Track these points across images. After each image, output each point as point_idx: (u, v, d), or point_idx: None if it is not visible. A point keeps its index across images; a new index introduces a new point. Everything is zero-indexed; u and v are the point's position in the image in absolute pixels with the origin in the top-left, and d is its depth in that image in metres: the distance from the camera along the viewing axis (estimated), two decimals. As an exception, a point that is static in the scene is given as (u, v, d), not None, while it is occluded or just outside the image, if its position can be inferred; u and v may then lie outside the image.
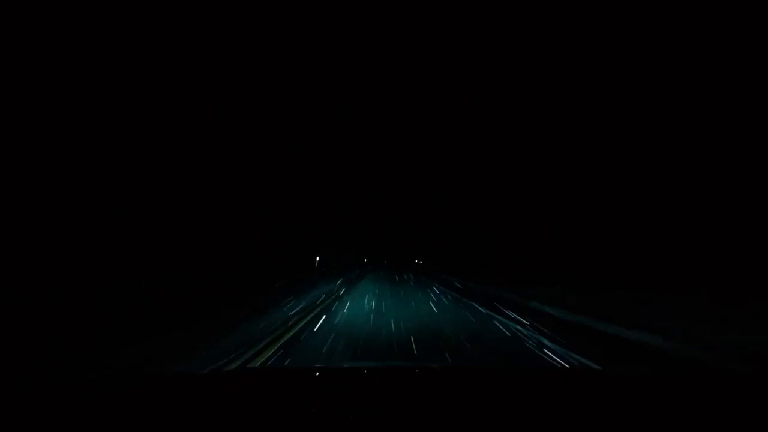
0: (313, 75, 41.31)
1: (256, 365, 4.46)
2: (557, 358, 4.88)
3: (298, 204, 31.01)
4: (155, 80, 16.21)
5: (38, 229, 11.60)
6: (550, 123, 21.50)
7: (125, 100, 14.74)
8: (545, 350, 5.33)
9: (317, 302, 10.52)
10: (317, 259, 33.26)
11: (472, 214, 39.31)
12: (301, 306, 9.59)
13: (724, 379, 1.39)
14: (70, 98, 12.80)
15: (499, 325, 7.41)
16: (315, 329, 6.70)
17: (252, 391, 1.23)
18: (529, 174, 24.25)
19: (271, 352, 5.04)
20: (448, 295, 13.62)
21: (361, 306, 10.09)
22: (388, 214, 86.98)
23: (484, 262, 29.92)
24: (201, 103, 18.90)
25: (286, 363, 4.58)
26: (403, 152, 76.42)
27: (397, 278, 23.54)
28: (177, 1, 16.98)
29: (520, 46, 24.82)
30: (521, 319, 8.07)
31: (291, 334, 6.22)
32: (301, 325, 7.07)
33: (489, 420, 0.91)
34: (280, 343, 5.57)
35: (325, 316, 8.23)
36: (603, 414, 0.99)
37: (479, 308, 9.85)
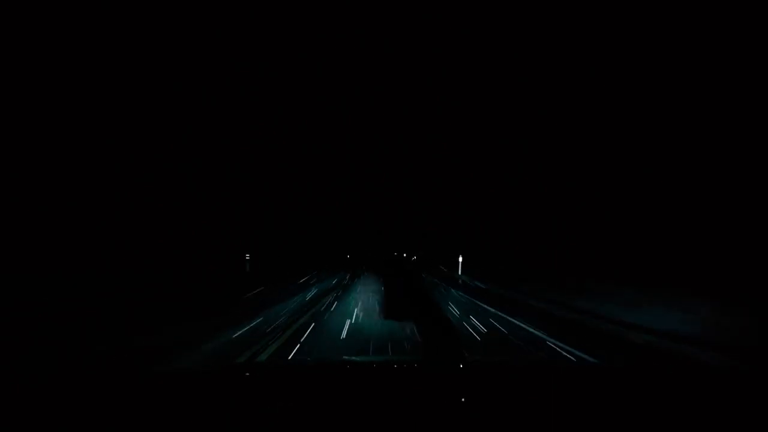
0: (303, 67, 41.22)
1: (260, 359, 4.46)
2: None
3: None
4: (156, 80, 16.20)
5: (39, 227, 11.63)
6: (544, 122, 21.53)
7: (129, 101, 14.74)
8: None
9: None
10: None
11: (459, 209, 39.35)
12: None
13: (720, 377, 1.40)
14: (71, 99, 12.80)
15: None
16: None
17: (252, 386, 1.24)
18: (525, 173, 24.28)
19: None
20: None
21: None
22: (374, 210, 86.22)
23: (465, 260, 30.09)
24: (197, 100, 18.89)
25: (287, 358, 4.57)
26: (394, 147, 76.15)
27: None
28: (177, 2, 16.95)
29: (518, 42, 24.79)
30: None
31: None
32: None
33: (489, 415, 0.92)
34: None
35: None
36: (600, 410, 1.00)
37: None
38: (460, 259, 23.78)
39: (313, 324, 6.80)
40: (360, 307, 8.88)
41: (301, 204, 39.11)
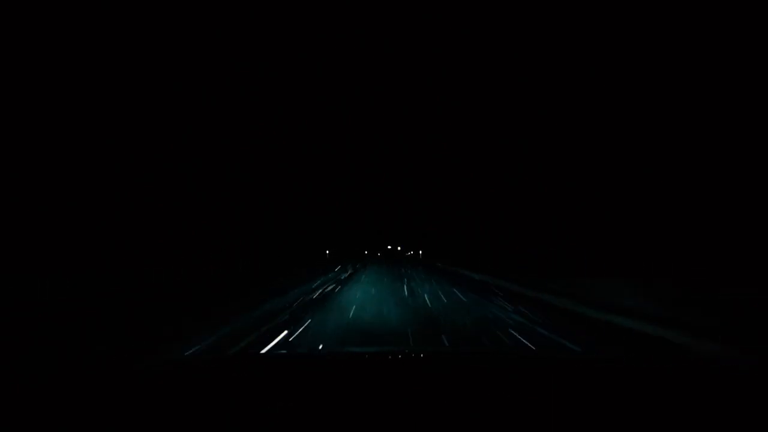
0: (303, 67, 41.27)
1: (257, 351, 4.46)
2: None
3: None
4: (156, 80, 16.22)
5: (39, 227, 11.65)
6: (544, 122, 21.56)
7: (129, 101, 14.76)
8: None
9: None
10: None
11: (460, 209, 39.44)
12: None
13: (718, 372, 1.40)
14: (71, 99, 12.81)
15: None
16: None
17: (252, 377, 1.24)
18: (525, 173, 24.32)
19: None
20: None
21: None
22: (374, 210, 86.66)
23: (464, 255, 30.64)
24: (197, 100, 18.93)
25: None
26: (394, 147, 76.36)
27: None
28: (177, 2, 16.98)
29: (518, 43, 24.82)
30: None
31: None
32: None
33: (492, 407, 0.92)
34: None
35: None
36: (600, 403, 1.00)
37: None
38: None
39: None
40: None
41: (301, 204, 39.14)
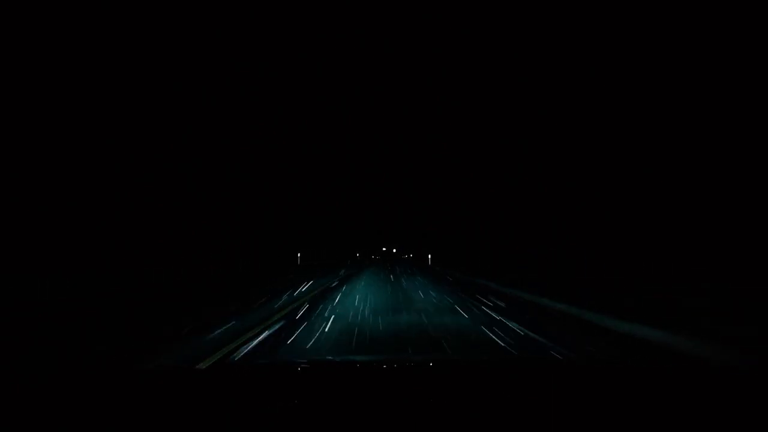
0: (303, 67, 41.27)
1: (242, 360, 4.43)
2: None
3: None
4: (156, 80, 16.21)
5: (39, 227, 11.64)
6: (544, 122, 21.53)
7: (129, 101, 14.75)
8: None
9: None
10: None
11: (460, 209, 39.40)
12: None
13: (717, 372, 1.40)
14: (71, 99, 12.80)
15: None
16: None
17: (242, 387, 1.23)
18: (525, 173, 24.29)
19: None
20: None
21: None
22: (374, 210, 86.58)
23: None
24: (197, 100, 18.92)
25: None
26: (394, 147, 76.37)
27: None
28: (177, 2, 16.97)
29: (518, 42, 24.79)
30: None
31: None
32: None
33: (488, 414, 0.92)
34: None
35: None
36: (601, 408, 0.99)
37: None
38: None
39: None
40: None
41: (301, 204, 39.08)
